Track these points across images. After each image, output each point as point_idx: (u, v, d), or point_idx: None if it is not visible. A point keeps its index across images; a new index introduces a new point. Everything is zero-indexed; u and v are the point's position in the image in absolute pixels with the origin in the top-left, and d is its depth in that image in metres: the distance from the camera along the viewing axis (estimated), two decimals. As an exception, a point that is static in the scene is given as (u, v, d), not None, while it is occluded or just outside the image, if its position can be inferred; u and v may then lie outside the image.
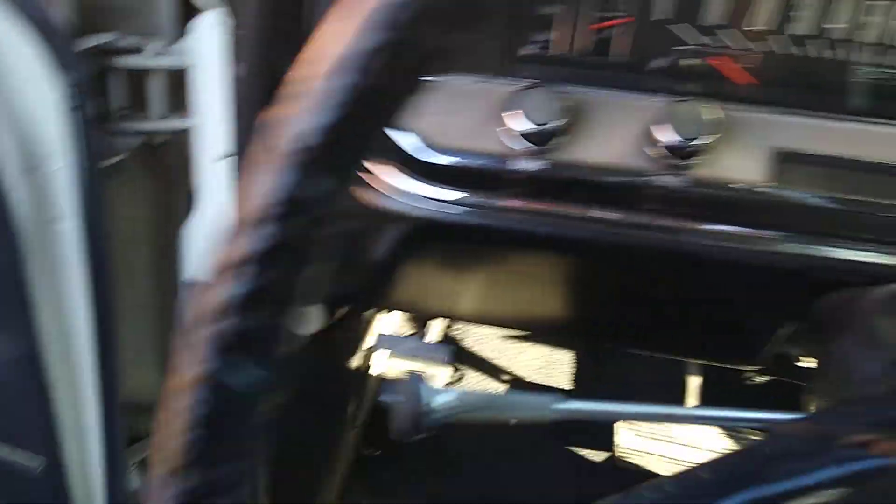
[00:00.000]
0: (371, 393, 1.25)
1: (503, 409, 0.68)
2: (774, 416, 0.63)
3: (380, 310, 1.26)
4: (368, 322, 1.36)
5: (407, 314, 1.29)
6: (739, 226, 0.75)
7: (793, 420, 0.41)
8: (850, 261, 0.74)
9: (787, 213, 0.74)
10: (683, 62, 0.76)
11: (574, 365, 1.61)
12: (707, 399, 1.46)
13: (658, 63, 0.77)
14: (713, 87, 0.76)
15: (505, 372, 1.60)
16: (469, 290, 0.97)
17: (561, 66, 0.78)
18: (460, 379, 1.58)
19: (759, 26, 0.74)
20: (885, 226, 0.73)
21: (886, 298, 0.66)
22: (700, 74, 0.76)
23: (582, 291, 0.93)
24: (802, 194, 0.73)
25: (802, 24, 0.73)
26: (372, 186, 0.80)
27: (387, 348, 1.00)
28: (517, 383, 1.58)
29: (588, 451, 1.33)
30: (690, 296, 0.88)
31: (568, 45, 0.77)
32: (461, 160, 0.78)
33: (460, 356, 1.60)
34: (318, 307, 1.13)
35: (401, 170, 0.79)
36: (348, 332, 1.20)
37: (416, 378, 0.63)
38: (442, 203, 0.79)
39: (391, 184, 0.80)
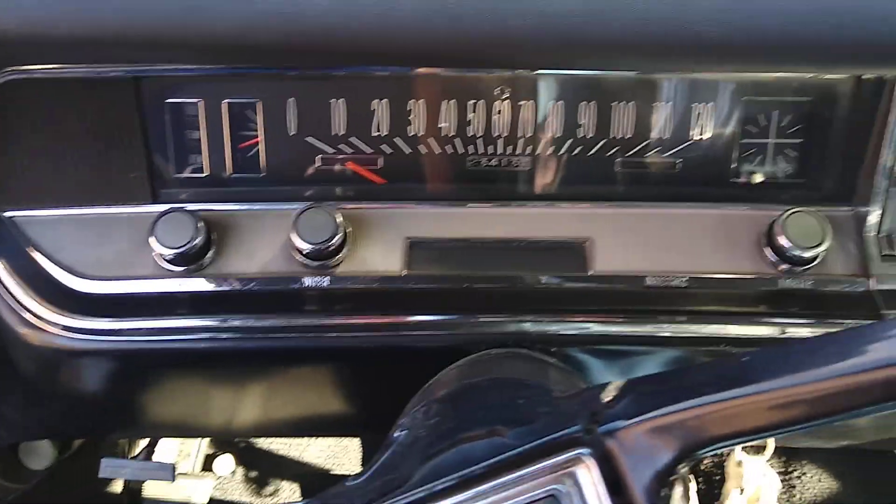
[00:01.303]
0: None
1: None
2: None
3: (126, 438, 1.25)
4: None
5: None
6: (383, 314, 0.81)
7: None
8: (491, 333, 0.81)
9: (426, 296, 0.81)
10: (318, 170, 0.83)
11: (363, 449, 1.63)
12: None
13: (295, 174, 0.83)
14: (348, 189, 0.83)
15: (294, 463, 1.60)
16: (207, 408, 0.97)
17: (207, 186, 0.83)
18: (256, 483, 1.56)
19: (380, 132, 0.82)
20: (511, 296, 0.81)
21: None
22: (334, 179, 0.83)
23: (310, 391, 0.94)
24: (436, 276, 0.81)
25: (416, 126, 0.82)
26: (40, 328, 0.81)
27: (109, 474, 0.99)
28: (306, 474, 1.58)
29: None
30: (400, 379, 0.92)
31: (212, 166, 0.83)
32: (121, 288, 0.80)
33: (250, 454, 1.59)
34: (47, 443, 1.11)
35: (64, 306, 0.81)
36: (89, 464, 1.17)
37: None
38: (111, 332, 0.81)
39: (58, 322, 0.80)
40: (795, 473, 1.43)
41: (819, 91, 0.81)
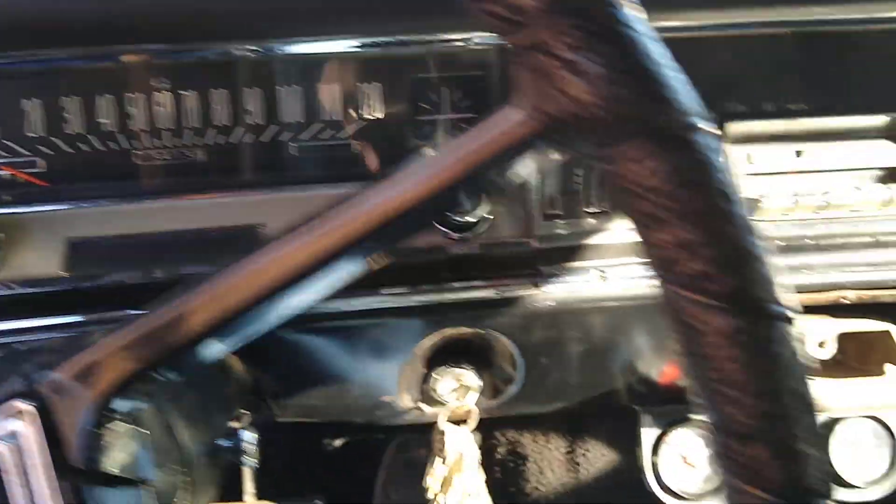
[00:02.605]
0: None
1: None
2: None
3: None
4: None
5: None
6: (42, 319, 0.78)
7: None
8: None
9: (88, 296, 0.78)
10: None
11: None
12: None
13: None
14: (6, 194, 0.80)
15: None
16: None
17: None
18: None
19: (35, 133, 0.79)
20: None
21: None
22: (-11, 185, 0.80)
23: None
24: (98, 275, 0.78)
25: (74, 124, 0.79)
26: None
27: None
28: None
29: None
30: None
31: None
32: None
33: None
34: None
35: None
36: None
37: None
38: None
39: None
40: (580, 451, 1.47)
41: (480, 63, 0.84)
